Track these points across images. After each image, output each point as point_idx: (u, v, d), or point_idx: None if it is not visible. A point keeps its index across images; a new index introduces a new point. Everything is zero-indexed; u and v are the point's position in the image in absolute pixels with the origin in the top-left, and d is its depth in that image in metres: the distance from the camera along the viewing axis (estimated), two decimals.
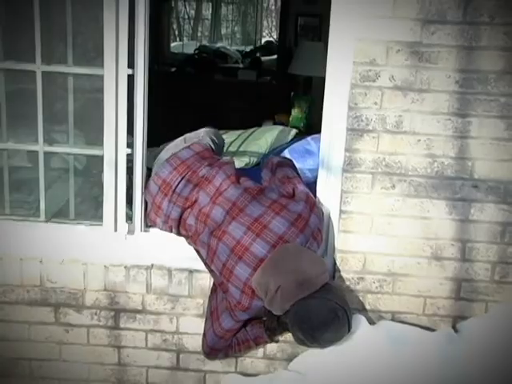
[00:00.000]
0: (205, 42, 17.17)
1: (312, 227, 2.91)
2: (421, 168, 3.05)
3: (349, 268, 3.19)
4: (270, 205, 2.93)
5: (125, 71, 3.12)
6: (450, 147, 3.01)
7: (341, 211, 3.12)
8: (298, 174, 3.32)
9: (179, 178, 3.08)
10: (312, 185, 3.35)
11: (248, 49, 12.65)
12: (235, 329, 3.02)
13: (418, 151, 3.02)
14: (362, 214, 3.12)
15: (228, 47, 13.27)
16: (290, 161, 3.51)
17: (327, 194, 3.15)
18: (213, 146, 3.40)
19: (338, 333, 2.83)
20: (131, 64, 3.12)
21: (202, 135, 3.42)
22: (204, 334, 3.13)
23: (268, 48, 11.35)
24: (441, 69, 2.94)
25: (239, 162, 4.75)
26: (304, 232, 2.87)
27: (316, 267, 2.80)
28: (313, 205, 2.99)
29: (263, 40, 13.16)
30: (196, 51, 10.68)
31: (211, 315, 3.08)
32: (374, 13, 2.90)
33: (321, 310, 2.75)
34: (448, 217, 3.09)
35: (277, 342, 3.22)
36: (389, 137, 3.02)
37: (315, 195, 3.18)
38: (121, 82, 3.13)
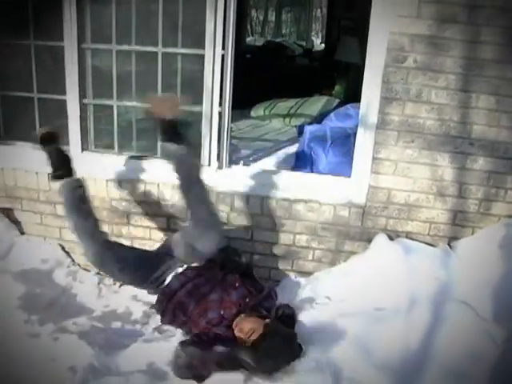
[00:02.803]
0: (269, 38, 17.02)
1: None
2: (433, 128, 2.97)
3: (377, 199, 3.15)
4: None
5: (219, 52, 3.10)
6: (454, 114, 2.93)
7: (373, 158, 3.07)
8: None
9: None
10: (352, 138, 3.29)
11: (301, 43, 12.45)
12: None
13: (431, 116, 2.95)
14: (388, 160, 3.06)
15: (288, 41, 13.11)
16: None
17: (364, 145, 3.07)
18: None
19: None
20: (223, 47, 3.09)
21: None
22: None
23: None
24: (450, 56, 2.84)
25: (297, 121, 4.74)
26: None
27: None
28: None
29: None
30: (264, 44, 10.53)
31: None
32: (402, 13, 2.82)
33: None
34: (450, 165, 3.02)
35: None
36: (411, 104, 2.95)
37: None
38: (217, 60, 3.12)
